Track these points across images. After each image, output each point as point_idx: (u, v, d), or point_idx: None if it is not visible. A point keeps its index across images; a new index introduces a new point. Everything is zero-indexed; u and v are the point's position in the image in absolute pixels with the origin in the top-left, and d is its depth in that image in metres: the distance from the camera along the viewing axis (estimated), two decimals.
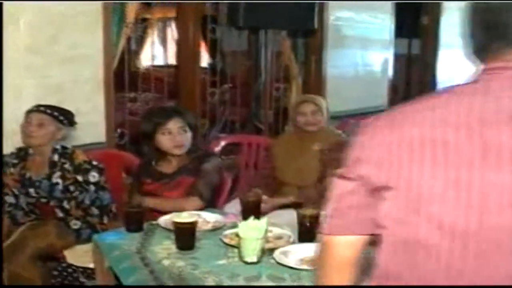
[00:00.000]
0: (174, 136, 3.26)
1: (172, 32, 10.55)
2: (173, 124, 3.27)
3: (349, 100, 6.13)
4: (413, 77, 8.17)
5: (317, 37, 5.95)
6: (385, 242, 1.50)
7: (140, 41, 7.20)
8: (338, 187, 1.56)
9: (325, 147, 3.89)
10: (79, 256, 3.13)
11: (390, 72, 7.04)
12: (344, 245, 1.57)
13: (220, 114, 5.63)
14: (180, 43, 5.16)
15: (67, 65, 3.96)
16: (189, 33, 4.96)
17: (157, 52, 10.05)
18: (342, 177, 1.54)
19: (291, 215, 3.61)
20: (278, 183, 4.01)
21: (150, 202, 3.06)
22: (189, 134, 3.30)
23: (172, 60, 8.74)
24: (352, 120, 5.91)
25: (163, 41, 10.63)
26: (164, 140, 3.26)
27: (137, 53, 7.42)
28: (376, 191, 1.47)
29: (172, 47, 9.46)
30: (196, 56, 5.06)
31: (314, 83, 6.05)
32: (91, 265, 2.98)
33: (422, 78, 8.23)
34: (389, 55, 7.02)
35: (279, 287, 2.22)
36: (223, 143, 4.68)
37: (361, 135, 1.54)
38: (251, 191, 3.80)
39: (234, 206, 3.72)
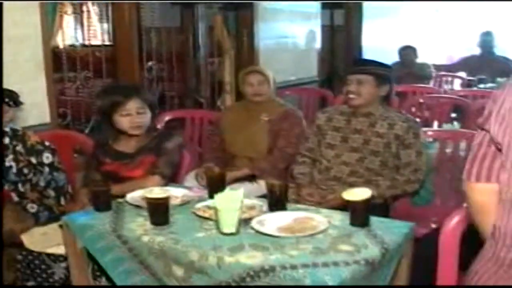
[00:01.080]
0: (133, 118, 3.17)
1: (89, 10, 10.33)
2: (132, 105, 3.17)
3: (281, 72, 6.17)
4: (338, 48, 8.29)
5: (248, 11, 5.97)
6: (501, 201, 1.71)
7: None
8: (477, 137, 1.72)
9: (273, 118, 3.94)
10: (38, 241, 3.03)
11: (318, 43, 7.14)
12: (479, 192, 1.75)
13: (154, 89, 5.60)
14: (116, 22, 5.07)
15: (6, 45, 3.83)
16: (125, 11, 4.88)
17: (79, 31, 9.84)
18: (480, 127, 1.69)
19: (247, 187, 3.66)
20: (228, 156, 4.03)
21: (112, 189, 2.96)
22: (148, 115, 3.22)
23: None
24: (287, 91, 6.00)
25: (81, 19, 10.38)
26: (123, 121, 3.17)
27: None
28: (496, 147, 1.65)
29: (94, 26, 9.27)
30: (133, 35, 4.99)
31: (247, 56, 6.10)
32: (51, 250, 2.93)
33: (347, 49, 8.37)
34: (316, 26, 7.11)
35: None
36: (166, 118, 4.65)
37: (499, 91, 1.69)
38: (202, 167, 3.83)
39: (191, 181, 3.73)
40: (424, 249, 2.72)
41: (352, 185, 3.29)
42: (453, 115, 5.93)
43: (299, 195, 3.40)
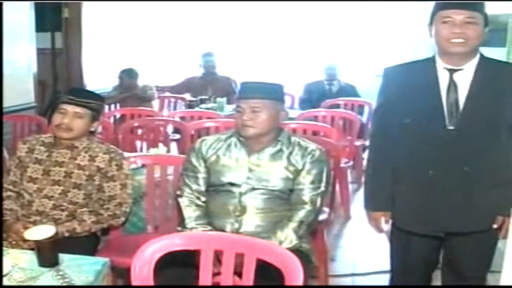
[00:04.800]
0: None
1: None
2: None
3: None
4: (60, 72, 8.06)
5: None
6: None
7: None
8: None
9: None
10: None
11: (35, 67, 6.86)
12: None
13: None
14: None
15: None
16: None
17: None
18: None
19: None
20: None
21: None
22: None
23: None
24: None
25: None
26: None
27: None
28: None
29: None
30: None
31: None
32: None
33: (68, 73, 8.17)
34: (32, 50, 6.84)
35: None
36: None
37: None
38: None
39: None
40: None
41: (56, 219, 3.19)
42: (178, 136, 6.04)
43: (6, 234, 3.18)
